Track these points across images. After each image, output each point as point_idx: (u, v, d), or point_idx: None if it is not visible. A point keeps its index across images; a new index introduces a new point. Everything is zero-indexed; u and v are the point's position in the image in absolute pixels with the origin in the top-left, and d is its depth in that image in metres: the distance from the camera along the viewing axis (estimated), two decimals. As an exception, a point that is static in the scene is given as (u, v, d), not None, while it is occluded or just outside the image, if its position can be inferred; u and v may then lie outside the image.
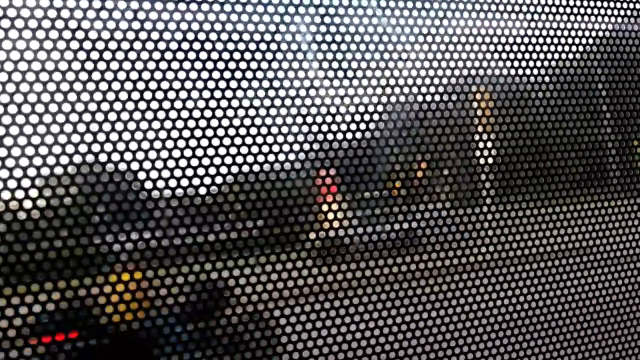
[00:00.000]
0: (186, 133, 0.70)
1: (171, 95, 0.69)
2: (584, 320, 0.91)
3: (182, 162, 0.69)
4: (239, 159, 0.72)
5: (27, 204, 0.63)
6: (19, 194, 0.63)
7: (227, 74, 0.71)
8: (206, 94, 0.71)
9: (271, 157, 0.74)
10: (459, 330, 0.82)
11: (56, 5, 0.62)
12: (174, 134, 0.69)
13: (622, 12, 0.96)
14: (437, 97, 0.82)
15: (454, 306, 0.82)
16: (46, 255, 0.63)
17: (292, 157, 0.74)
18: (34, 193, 0.63)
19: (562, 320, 0.89)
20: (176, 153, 0.69)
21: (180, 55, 0.70)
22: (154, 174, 0.68)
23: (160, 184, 0.69)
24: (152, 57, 0.68)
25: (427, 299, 0.80)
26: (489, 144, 0.86)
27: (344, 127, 0.77)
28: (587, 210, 0.93)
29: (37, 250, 0.63)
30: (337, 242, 0.78)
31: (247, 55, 0.73)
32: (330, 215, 0.79)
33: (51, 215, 0.64)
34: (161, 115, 0.68)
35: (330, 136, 0.76)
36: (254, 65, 0.73)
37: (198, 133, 0.70)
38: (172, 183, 0.69)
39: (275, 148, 0.74)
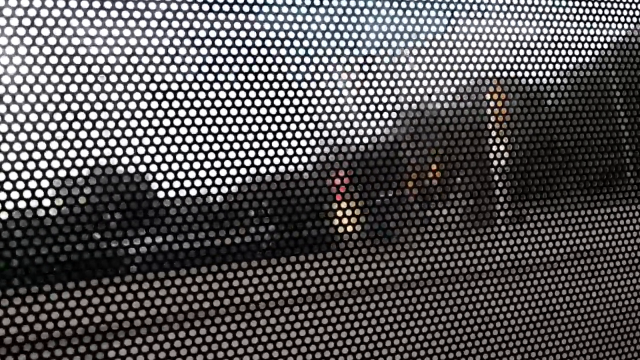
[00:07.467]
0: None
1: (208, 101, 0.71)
2: (587, 320, 0.92)
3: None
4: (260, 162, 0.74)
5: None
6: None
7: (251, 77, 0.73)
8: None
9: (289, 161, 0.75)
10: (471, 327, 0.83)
11: (73, 24, 0.64)
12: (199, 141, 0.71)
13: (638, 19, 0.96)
14: (450, 97, 0.83)
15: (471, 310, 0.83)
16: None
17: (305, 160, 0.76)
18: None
19: (576, 323, 0.90)
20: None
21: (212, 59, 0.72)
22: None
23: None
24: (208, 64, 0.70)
25: (435, 302, 0.81)
26: (502, 147, 0.87)
27: (361, 131, 0.79)
28: (604, 215, 0.94)
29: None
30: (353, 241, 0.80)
31: (272, 60, 0.75)
32: (343, 216, 0.80)
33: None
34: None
35: (348, 140, 0.78)
36: (273, 68, 0.75)
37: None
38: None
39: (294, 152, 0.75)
